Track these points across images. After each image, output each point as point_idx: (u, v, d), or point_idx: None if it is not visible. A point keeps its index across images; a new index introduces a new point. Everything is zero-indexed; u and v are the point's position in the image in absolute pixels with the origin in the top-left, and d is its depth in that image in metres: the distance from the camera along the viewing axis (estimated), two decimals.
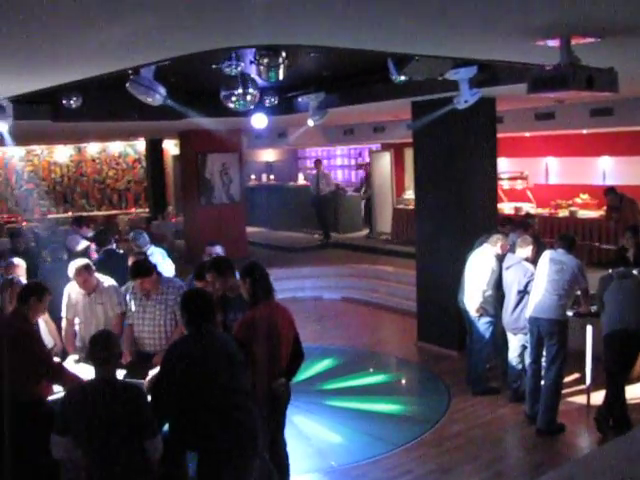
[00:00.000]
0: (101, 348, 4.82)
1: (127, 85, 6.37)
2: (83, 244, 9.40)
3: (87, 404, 4.69)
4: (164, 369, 4.99)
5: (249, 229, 18.59)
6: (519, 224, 9.54)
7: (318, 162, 19.26)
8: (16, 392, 5.73)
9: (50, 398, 6.01)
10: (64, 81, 7.05)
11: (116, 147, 24.20)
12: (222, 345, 5.10)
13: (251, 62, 5.59)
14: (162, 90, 6.43)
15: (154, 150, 23.24)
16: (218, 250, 7.85)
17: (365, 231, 19.60)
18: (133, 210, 23.69)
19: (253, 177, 24.20)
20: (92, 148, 24.11)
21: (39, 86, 7.39)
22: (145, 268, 6.91)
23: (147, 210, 23.42)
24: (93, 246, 9.30)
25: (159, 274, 7.09)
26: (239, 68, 6.83)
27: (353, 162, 23.35)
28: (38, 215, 22.78)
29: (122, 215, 22.73)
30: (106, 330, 6.01)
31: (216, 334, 5.22)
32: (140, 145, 24.07)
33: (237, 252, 15.02)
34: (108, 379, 4.79)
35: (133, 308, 7.02)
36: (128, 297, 7.10)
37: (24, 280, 6.96)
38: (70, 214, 22.29)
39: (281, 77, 5.58)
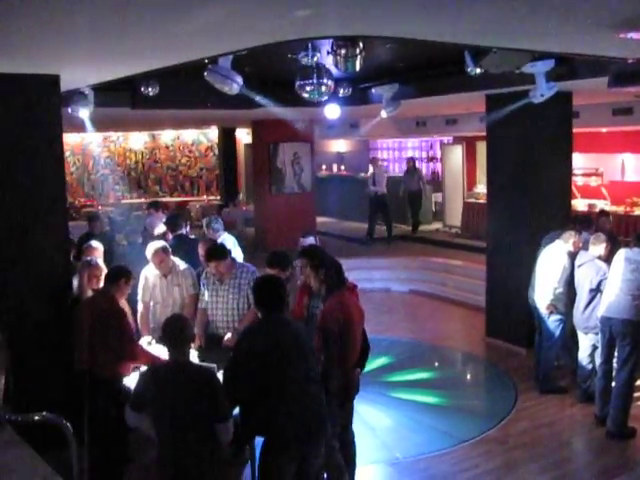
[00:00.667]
0: (175, 331, 4.90)
1: (205, 74, 6.46)
2: (161, 227, 9.57)
3: (161, 386, 4.78)
4: (235, 354, 5.03)
5: (319, 219, 18.64)
6: (583, 221, 9.31)
7: (374, 160, 19.01)
8: (98, 368, 5.95)
9: (126, 378, 6.18)
10: (145, 69, 7.18)
11: (189, 135, 24.54)
12: (292, 332, 5.09)
13: (328, 53, 5.59)
14: (239, 79, 6.50)
15: (227, 138, 23.49)
16: (311, 240, 7.83)
17: (434, 225, 19.48)
18: (204, 197, 24.01)
19: (324, 167, 24.27)
20: (166, 135, 24.51)
21: (120, 74, 7.54)
22: (220, 252, 6.99)
23: (218, 197, 23.71)
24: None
25: (233, 259, 7.17)
26: (315, 58, 6.86)
27: (424, 154, 23.20)
28: (113, 200, 23.29)
29: (193, 202, 23.06)
30: (179, 314, 6.16)
31: (287, 321, 5.21)
32: (213, 133, 24.35)
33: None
34: (182, 362, 4.86)
35: (206, 293, 7.10)
36: (202, 282, 7.19)
37: (101, 263, 7.12)
38: (143, 200, 22.71)
39: (358, 68, 5.58)
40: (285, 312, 5.28)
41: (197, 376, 4.82)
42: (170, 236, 8.99)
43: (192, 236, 9.70)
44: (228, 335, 6.82)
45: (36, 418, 4.77)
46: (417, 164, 19.94)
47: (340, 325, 5.70)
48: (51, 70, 6.70)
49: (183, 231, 8.99)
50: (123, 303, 7.26)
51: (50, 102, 6.94)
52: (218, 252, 7.01)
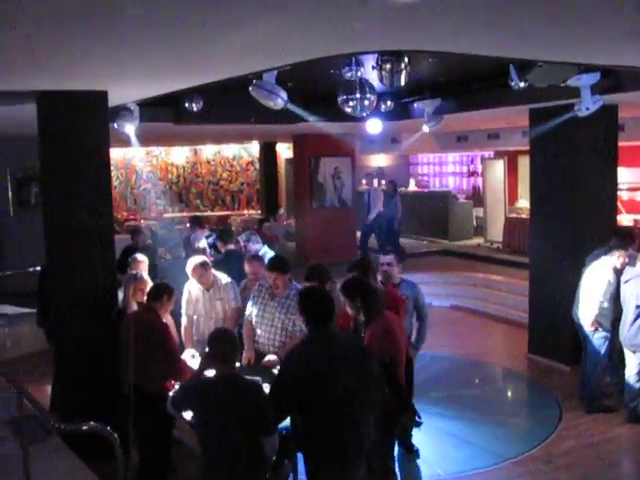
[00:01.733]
0: (221, 344, 4.91)
1: (250, 89, 6.52)
2: (203, 242, 9.68)
3: (207, 400, 4.78)
4: (283, 370, 4.95)
5: (358, 233, 18.63)
6: (625, 235, 9.08)
7: (368, 177, 18.60)
8: (144, 382, 5.99)
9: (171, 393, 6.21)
10: (190, 85, 7.28)
11: (230, 150, 24.70)
12: (346, 348, 4.93)
13: (373, 68, 5.62)
14: (284, 94, 6.55)
15: (267, 153, 23.62)
16: (390, 259, 7.50)
17: (475, 239, 19.36)
18: (245, 212, 24.13)
19: (364, 182, 24.24)
20: (207, 150, 24.70)
21: (166, 90, 7.66)
22: (284, 265, 7.04)
23: (259, 212, 23.82)
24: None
25: (290, 279, 7.12)
26: (358, 73, 6.89)
27: (465, 169, 23.10)
28: (155, 214, 23.50)
29: (234, 216, 23.17)
30: (225, 327, 6.20)
31: (339, 336, 5.03)
32: (254, 148, 24.50)
33: (347, 256, 15.12)
34: (228, 375, 4.86)
35: (254, 307, 7.11)
36: (251, 294, 7.22)
37: (146, 276, 7.21)
38: (185, 214, 22.91)
39: (403, 82, 5.59)
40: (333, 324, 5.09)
41: (244, 390, 4.81)
42: (208, 251, 9.08)
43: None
44: (269, 357, 6.78)
45: (84, 428, 4.85)
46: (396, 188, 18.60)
47: (388, 347, 5.60)
48: (100, 86, 6.83)
49: (232, 246, 9.03)
50: (167, 317, 7.36)
51: (98, 118, 7.08)
52: (282, 265, 7.06)
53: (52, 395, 8.55)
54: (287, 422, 5.17)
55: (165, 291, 6.54)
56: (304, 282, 6.67)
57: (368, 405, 4.83)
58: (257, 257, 8.04)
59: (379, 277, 7.21)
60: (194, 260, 7.58)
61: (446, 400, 9.31)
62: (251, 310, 7.18)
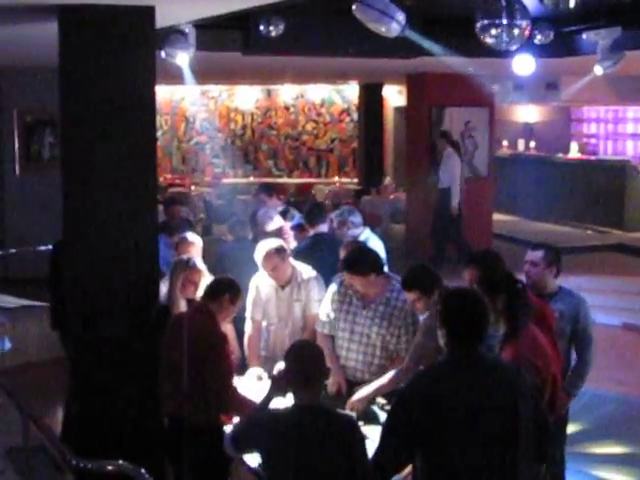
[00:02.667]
0: (304, 364, 4.97)
1: (353, 9, 6.57)
2: (277, 221, 9.75)
3: (282, 438, 4.82)
4: (400, 405, 4.81)
5: (496, 216, 18.53)
6: None
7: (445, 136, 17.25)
8: (186, 411, 6.10)
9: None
10: (267, 1, 7.39)
11: (318, 92, 24.85)
12: (501, 378, 4.81)
13: None
14: (401, 17, 6.58)
15: (370, 99, 23.61)
16: (539, 255, 7.36)
17: None
18: (336, 179, 24.21)
19: (506, 144, 24.08)
20: (286, 92, 24.90)
21: (232, 7, 7.78)
22: (362, 263, 6.88)
23: (355, 180, 23.87)
24: (287, 226, 9.62)
25: (388, 276, 7.05)
26: None
27: None
28: (210, 178, 23.85)
29: (320, 185, 23.23)
30: (308, 340, 6.24)
31: (490, 360, 4.95)
32: (351, 91, 24.56)
33: (478, 246, 15.06)
34: (311, 407, 4.90)
35: (338, 315, 7.08)
36: (333, 296, 7.17)
37: (200, 262, 7.33)
38: (252, 179, 23.17)
39: (572, 5, 5.57)
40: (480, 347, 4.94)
41: (333, 427, 4.83)
42: (287, 233, 9.13)
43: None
44: (356, 395, 6.62)
45: (109, 468, 5.01)
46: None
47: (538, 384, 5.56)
48: (145, 0, 6.98)
49: (324, 227, 9.07)
50: (226, 325, 7.52)
51: (141, 43, 7.19)
52: (358, 262, 6.93)
53: (65, 419, 8.83)
54: None
55: (228, 289, 6.52)
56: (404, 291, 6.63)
57: (520, 455, 4.79)
58: (358, 243, 8.03)
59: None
60: (267, 244, 7.58)
61: (609, 459, 9.21)
62: (328, 319, 7.12)
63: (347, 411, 5.81)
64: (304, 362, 4.99)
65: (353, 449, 4.79)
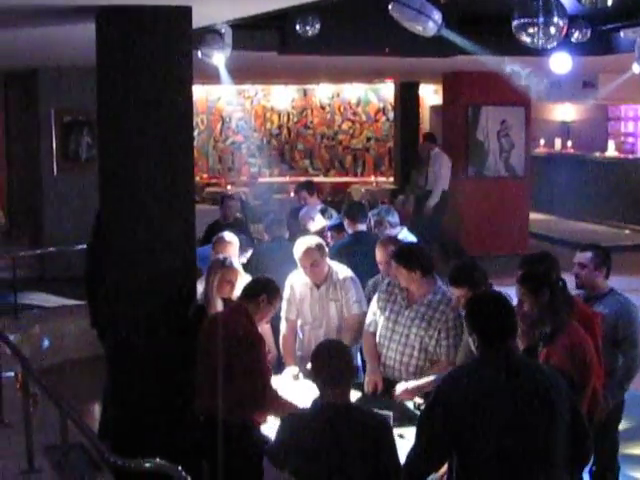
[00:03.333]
0: (330, 363, 4.98)
1: (390, 8, 6.58)
2: (319, 221, 9.73)
3: (310, 440, 4.84)
4: (434, 404, 4.82)
5: (532, 215, 18.46)
6: None
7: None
8: (223, 410, 6.11)
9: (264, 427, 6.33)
10: (303, 1, 7.40)
11: (354, 91, 24.84)
12: (535, 378, 4.81)
13: None
14: (437, 16, 6.58)
15: (406, 98, 23.52)
16: (588, 257, 7.25)
17: None
18: (372, 178, 24.19)
19: (542, 142, 23.97)
20: (321, 91, 24.90)
21: (268, 7, 7.80)
22: (417, 257, 6.87)
23: (391, 179, 23.83)
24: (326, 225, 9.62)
25: (433, 277, 6.99)
26: None
27: None
28: (246, 177, 23.88)
29: (357, 184, 23.21)
30: (336, 340, 6.24)
31: (522, 361, 4.96)
32: (387, 90, 24.53)
33: (514, 245, 15.05)
34: (341, 405, 4.89)
35: (381, 314, 7.09)
36: (378, 294, 7.22)
37: (236, 262, 7.35)
38: (288, 178, 23.18)
39: (609, 2, 5.54)
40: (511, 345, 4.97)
41: (364, 427, 4.81)
42: (329, 234, 9.12)
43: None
44: (400, 386, 6.72)
45: (146, 465, 5.03)
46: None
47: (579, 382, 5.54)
48: (182, 0, 7.02)
49: (364, 226, 9.01)
50: (262, 325, 7.55)
51: (178, 43, 7.25)
52: (408, 256, 6.89)
53: (102, 417, 8.89)
54: None
55: (266, 289, 6.53)
56: (452, 288, 6.62)
57: (555, 457, 4.78)
58: (395, 240, 7.99)
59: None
60: (306, 241, 7.57)
61: None
62: (374, 317, 7.16)
63: (384, 411, 5.76)
64: (330, 362, 5.00)
65: (386, 448, 4.78)
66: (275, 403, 6.32)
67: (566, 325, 5.69)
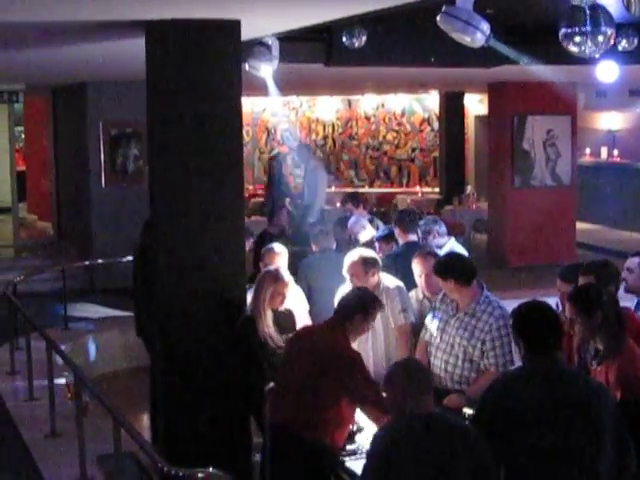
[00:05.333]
0: (414, 372, 4.98)
1: (438, 19, 6.59)
2: (369, 231, 9.72)
3: (397, 452, 4.76)
4: (479, 414, 4.99)
5: (579, 225, 18.36)
6: None
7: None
8: (305, 425, 6.07)
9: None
10: (349, 14, 7.44)
11: (398, 102, 24.81)
12: (576, 389, 4.90)
13: None
14: (485, 27, 6.57)
15: (451, 108, 23.50)
16: (634, 263, 7.29)
17: None
18: (417, 189, 24.14)
19: (588, 152, 23.84)
20: (366, 102, 24.90)
21: (315, 20, 7.85)
22: (445, 266, 6.93)
23: (437, 190, 23.80)
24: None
25: (481, 286, 7.00)
26: None
27: None
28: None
29: (402, 195, 23.20)
30: (409, 357, 6.26)
31: (567, 370, 5.07)
32: (431, 100, 24.50)
33: (561, 255, 14.97)
34: (426, 415, 4.83)
35: (433, 322, 7.12)
36: (434, 304, 7.22)
37: (286, 273, 7.38)
38: (333, 189, 23.19)
39: None
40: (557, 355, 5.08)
41: (452, 437, 4.74)
42: (377, 245, 9.13)
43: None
44: (455, 397, 6.72)
45: (200, 475, 5.09)
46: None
47: None
48: (230, 13, 7.09)
49: (414, 236, 9.00)
50: None
51: (227, 56, 7.34)
52: (441, 265, 6.96)
53: (151, 426, 8.97)
54: None
55: (363, 305, 6.41)
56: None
57: (596, 464, 4.81)
58: (433, 254, 8.01)
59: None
60: (357, 254, 7.55)
61: None
62: (429, 327, 7.18)
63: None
64: (413, 372, 5.00)
65: (477, 457, 4.68)
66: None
67: (621, 344, 5.63)
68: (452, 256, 7.43)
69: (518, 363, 5.66)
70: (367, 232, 9.75)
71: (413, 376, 4.95)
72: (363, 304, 6.43)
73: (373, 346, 7.49)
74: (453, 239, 9.26)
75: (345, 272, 7.53)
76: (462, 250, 9.04)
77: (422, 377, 4.98)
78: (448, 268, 6.93)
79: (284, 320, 7.27)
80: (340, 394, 6.08)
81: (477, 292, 6.93)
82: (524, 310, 5.18)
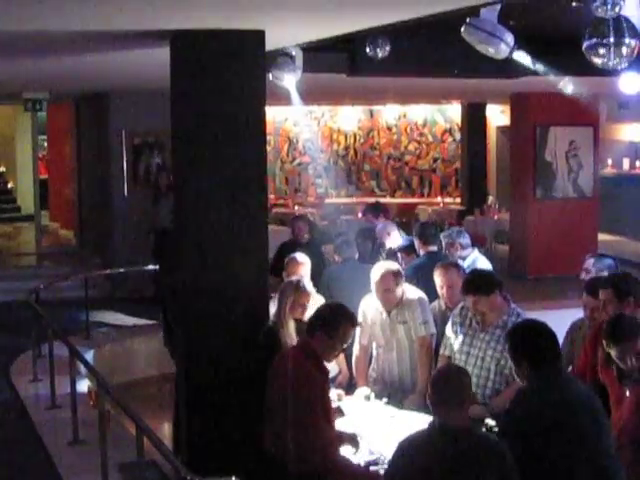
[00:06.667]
0: (439, 385, 4.99)
1: (462, 31, 6.62)
2: (395, 237, 9.71)
3: (420, 464, 4.78)
4: (505, 428, 5.13)
5: (602, 236, 18.31)
6: None
7: None
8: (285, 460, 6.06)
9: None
10: (373, 24, 7.47)
11: (420, 112, 24.83)
12: (583, 393, 5.18)
13: None
14: (509, 38, 6.60)
15: (473, 118, 23.47)
16: None
17: None
18: (439, 199, 24.11)
19: (610, 163, 23.77)
20: (387, 112, 24.93)
21: (339, 31, 7.87)
22: (485, 282, 6.91)
23: (458, 200, 23.77)
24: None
25: (506, 298, 7.05)
26: (616, 8, 6.81)
27: None
28: (313, 198, 23.97)
29: (424, 205, 23.15)
30: (453, 365, 6.40)
31: (572, 378, 5.34)
32: (453, 111, 24.49)
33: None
34: (454, 428, 4.80)
35: (455, 338, 7.14)
36: (452, 319, 7.24)
37: (309, 283, 7.40)
38: (355, 199, 23.24)
39: None
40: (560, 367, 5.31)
41: (480, 452, 4.74)
42: (399, 255, 9.14)
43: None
44: (478, 408, 6.71)
45: None
46: None
47: None
48: (254, 24, 7.13)
49: (435, 247, 9.03)
50: None
51: (251, 66, 7.37)
52: (481, 282, 6.93)
53: (174, 435, 8.99)
54: None
55: (323, 325, 6.35)
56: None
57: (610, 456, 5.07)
58: (455, 265, 8.02)
59: None
60: (384, 266, 7.60)
61: None
62: (449, 341, 7.19)
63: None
64: (440, 382, 5.01)
65: (505, 474, 4.70)
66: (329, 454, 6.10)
67: None
68: (476, 272, 7.42)
69: None
70: (392, 239, 9.78)
71: (441, 387, 4.96)
72: (323, 321, 6.37)
73: (398, 357, 7.59)
74: (476, 250, 9.28)
75: (377, 286, 7.51)
76: (485, 261, 9.06)
77: (451, 389, 4.93)
78: (475, 285, 6.93)
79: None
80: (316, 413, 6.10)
81: (504, 304, 6.97)
82: (519, 328, 5.54)
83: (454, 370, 5.34)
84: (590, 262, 7.90)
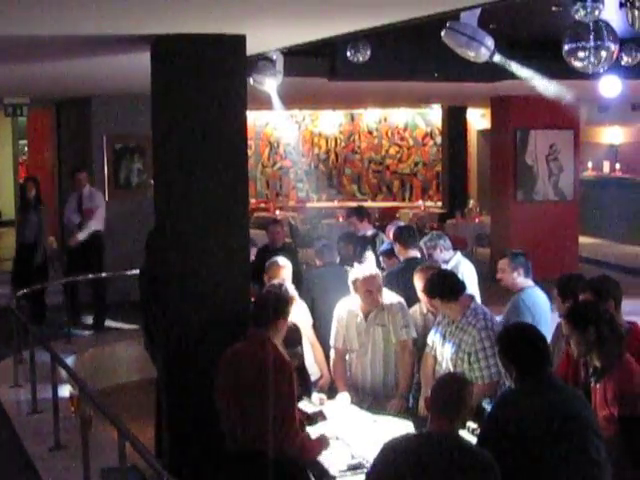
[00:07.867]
0: (437, 393, 5.00)
1: (443, 35, 6.63)
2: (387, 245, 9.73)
3: (400, 468, 4.74)
4: (486, 432, 5.14)
5: (582, 239, 18.37)
6: None
7: None
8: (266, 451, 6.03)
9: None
10: (354, 29, 7.47)
11: (401, 116, 24.88)
12: (568, 397, 5.17)
13: (621, 4, 5.60)
14: (489, 42, 6.62)
15: (454, 122, 23.57)
16: None
17: None
18: (420, 203, 24.15)
19: (590, 166, 23.86)
20: (368, 116, 24.99)
21: (320, 35, 7.88)
22: (449, 287, 6.99)
23: (439, 204, 23.85)
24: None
25: (471, 298, 7.16)
26: (595, 12, 6.84)
27: None
28: (294, 202, 23.99)
29: (405, 209, 23.21)
30: (454, 374, 6.35)
31: (557, 383, 5.28)
32: (434, 114, 24.56)
33: (564, 270, 14.89)
34: (446, 435, 4.79)
35: (436, 334, 7.21)
36: (436, 319, 7.29)
37: (290, 287, 7.38)
38: (336, 203, 23.24)
39: None
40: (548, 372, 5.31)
41: (470, 461, 4.69)
42: (381, 259, 9.15)
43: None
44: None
45: None
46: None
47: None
48: (235, 28, 7.12)
49: (415, 252, 9.03)
50: (314, 344, 7.61)
51: (232, 71, 7.35)
52: (426, 286, 7.09)
53: (156, 439, 8.95)
54: None
55: (283, 312, 6.44)
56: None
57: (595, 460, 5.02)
58: (435, 268, 8.05)
59: None
60: (369, 270, 7.63)
61: None
62: (431, 341, 7.27)
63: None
64: (438, 390, 5.02)
65: None
66: (298, 439, 6.10)
67: (616, 360, 5.71)
68: (437, 274, 7.42)
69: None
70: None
71: (438, 396, 4.98)
72: (281, 308, 6.41)
73: (372, 359, 7.58)
74: (459, 253, 9.29)
75: (364, 287, 7.50)
76: (468, 263, 9.09)
77: (447, 399, 4.92)
78: (433, 287, 7.08)
79: (289, 334, 7.26)
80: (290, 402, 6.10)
81: (464, 306, 7.02)
82: (508, 332, 5.51)
83: (454, 380, 5.30)
84: (505, 262, 7.98)
